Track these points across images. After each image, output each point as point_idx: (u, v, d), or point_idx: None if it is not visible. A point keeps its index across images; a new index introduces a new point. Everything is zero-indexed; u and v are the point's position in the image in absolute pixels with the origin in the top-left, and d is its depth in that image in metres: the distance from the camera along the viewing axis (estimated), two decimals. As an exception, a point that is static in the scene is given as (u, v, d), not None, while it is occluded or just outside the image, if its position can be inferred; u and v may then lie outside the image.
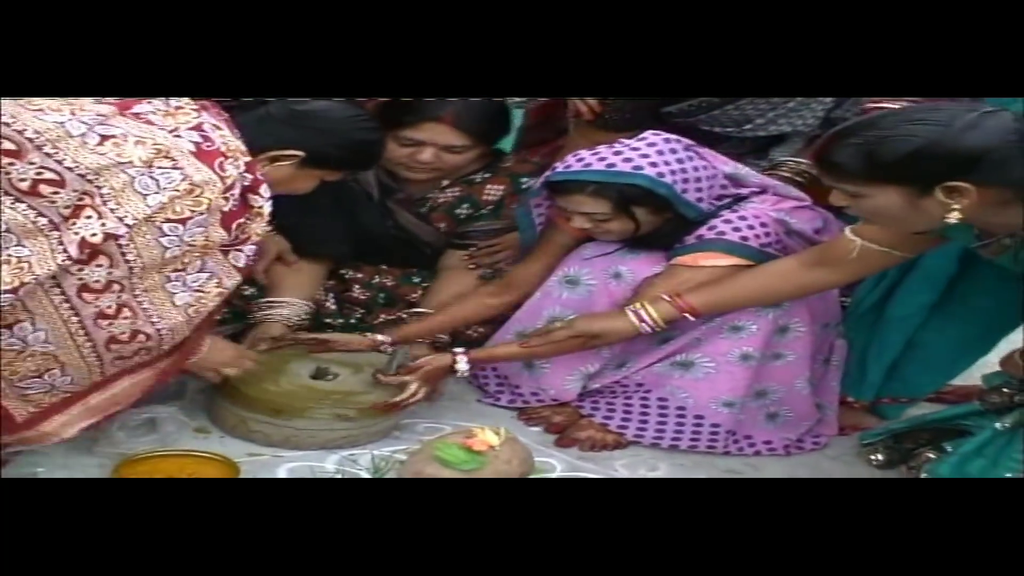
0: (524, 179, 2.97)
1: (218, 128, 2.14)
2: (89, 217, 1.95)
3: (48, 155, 1.95)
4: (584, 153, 2.65)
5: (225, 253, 2.17)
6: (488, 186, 2.99)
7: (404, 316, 2.97)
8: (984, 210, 2.07)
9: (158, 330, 2.13)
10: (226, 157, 2.10)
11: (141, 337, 2.12)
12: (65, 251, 1.96)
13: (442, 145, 2.83)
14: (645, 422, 2.68)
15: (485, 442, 2.27)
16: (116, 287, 2.04)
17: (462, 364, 2.64)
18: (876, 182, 2.10)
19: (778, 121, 2.98)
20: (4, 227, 1.91)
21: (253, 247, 2.21)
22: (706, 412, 2.64)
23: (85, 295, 2.02)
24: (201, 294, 2.16)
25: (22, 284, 1.93)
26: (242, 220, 2.16)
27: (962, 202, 2.04)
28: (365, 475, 2.41)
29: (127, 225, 1.98)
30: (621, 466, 2.59)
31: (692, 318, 2.57)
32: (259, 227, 2.20)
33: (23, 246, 1.94)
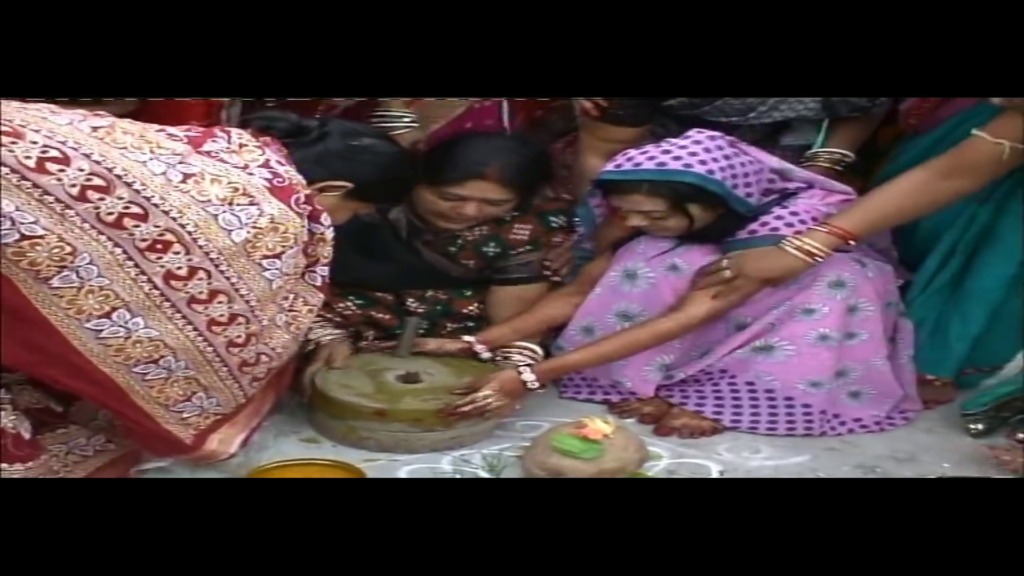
0: (552, 217, 3.05)
1: (282, 164, 2.32)
2: (177, 253, 2.12)
3: (137, 191, 2.09)
4: (633, 152, 2.79)
5: (302, 276, 2.37)
6: (516, 225, 3.03)
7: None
8: None
9: (274, 349, 2.36)
10: (297, 192, 2.28)
11: (264, 358, 2.35)
12: (150, 281, 2.12)
13: (485, 199, 2.89)
14: (739, 407, 2.81)
15: (598, 431, 2.39)
16: (241, 319, 2.25)
17: (527, 375, 2.75)
18: None
19: (780, 107, 3.06)
20: (88, 259, 2.06)
21: (326, 268, 2.41)
22: (795, 393, 2.78)
23: (214, 328, 2.23)
24: (296, 312, 2.39)
25: (113, 309, 2.11)
26: (313, 245, 2.36)
27: None
28: (483, 473, 2.54)
29: (211, 259, 2.15)
30: (724, 450, 2.73)
31: (851, 243, 2.71)
32: (325, 250, 2.39)
33: (104, 276, 2.09)
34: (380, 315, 3.08)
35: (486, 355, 2.92)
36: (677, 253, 2.88)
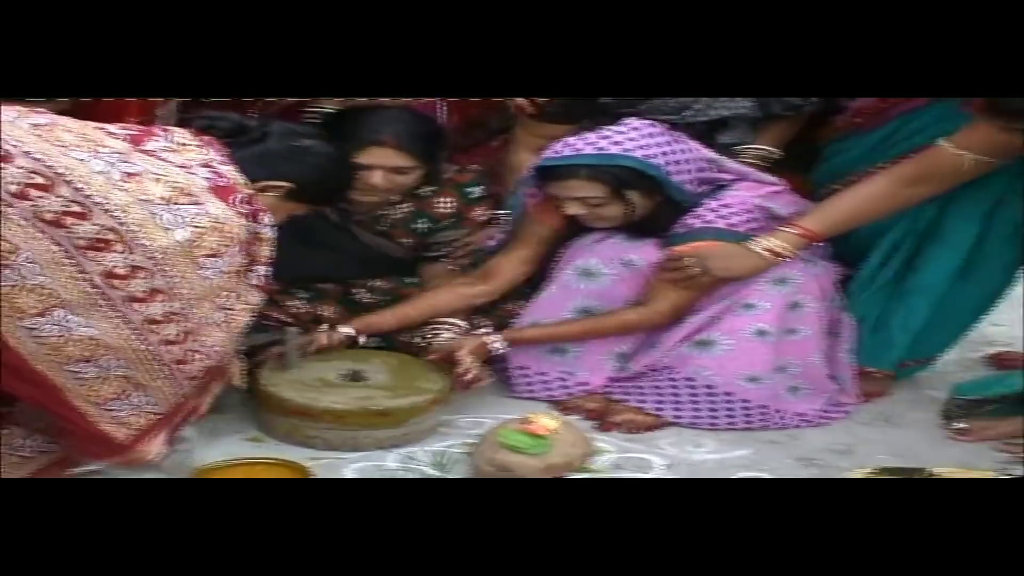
0: (469, 188, 3.13)
1: (224, 163, 2.33)
2: (118, 252, 2.11)
3: (77, 189, 2.09)
4: (572, 139, 2.85)
5: (242, 274, 2.36)
6: (436, 200, 3.10)
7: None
8: None
9: (210, 347, 2.34)
10: (237, 192, 2.29)
11: (199, 356, 2.32)
12: (89, 279, 2.11)
13: (390, 167, 2.94)
14: (679, 403, 2.86)
15: (545, 426, 2.42)
16: (178, 317, 2.23)
17: (496, 343, 2.82)
18: None
19: (715, 106, 3.13)
20: (29, 257, 2.05)
21: (264, 266, 2.41)
22: (733, 389, 2.82)
23: (152, 326, 2.21)
24: (231, 311, 2.36)
25: (51, 308, 2.09)
26: (254, 245, 2.36)
27: None
28: (430, 471, 2.56)
29: (152, 259, 2.15)
30: (668, 444, 2.77)
31: (815, 243, 2.82)
32: (266, 250, 2.39)
33: (43, 275, 2.08)
34: (327, 310, 3.10)
35: (362, 340, 2.95)
36: (632, 248, 2.92)
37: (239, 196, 2.28)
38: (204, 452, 2.56)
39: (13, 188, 2.02)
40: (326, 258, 3.11)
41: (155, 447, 2.35)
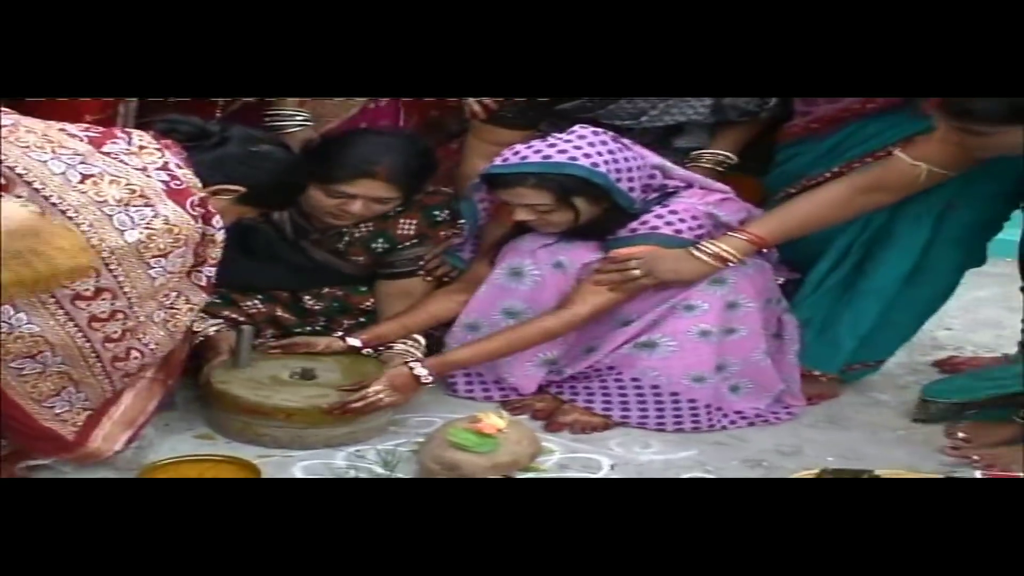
0: (436, 211, 3.13)
1: (180, 167, 2.37)
2: None
3: (36, 190, 2.13)
4: (519, 147, 2.89)
5: (188, 274, 2.41)
6: (401, 220, 3.09)
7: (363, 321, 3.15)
8: None
9: (146, 345, 2.39)
10: (192, 195, 2.34)
11: (135, 354, 2.38)
12: None
13: (372, 197, 2.94)
14: (626, 403, 2.90)
15: (493, 425, 2.45)
16: (120, 315, 2.29)
17: (420, 370, 2.80)
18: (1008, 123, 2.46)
19: (671, 111, 3.16)
20: None
21: (211, 268, 2.46)
22: (680, 388, 2.87)
23: (94, 324, 2.26)
24: (175, 310, 2.42)
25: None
26: (203, 246, 2.41)
27: None
28: (378, 469, 2.58)
29: (102, 258, 2.18)
30: (615, 444, 2.80)
31: (764, 250, 2.88)
32: (215, 252, 2.44)
33: None
34: (281, 313, 3.11)
35: (367, 351, 2.98)
36: (562, 250, 2.96)
37: (194, 199, 2.32)
38: (155, 450, 2.59)
39: None
40: (271, 269, 3.11)
41: (109, 442, 2.41)
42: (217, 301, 2.96)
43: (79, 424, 2.37)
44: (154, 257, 2.25)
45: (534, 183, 2.83)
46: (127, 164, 2.27)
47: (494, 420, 2.48)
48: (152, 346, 2.39)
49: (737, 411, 2.94)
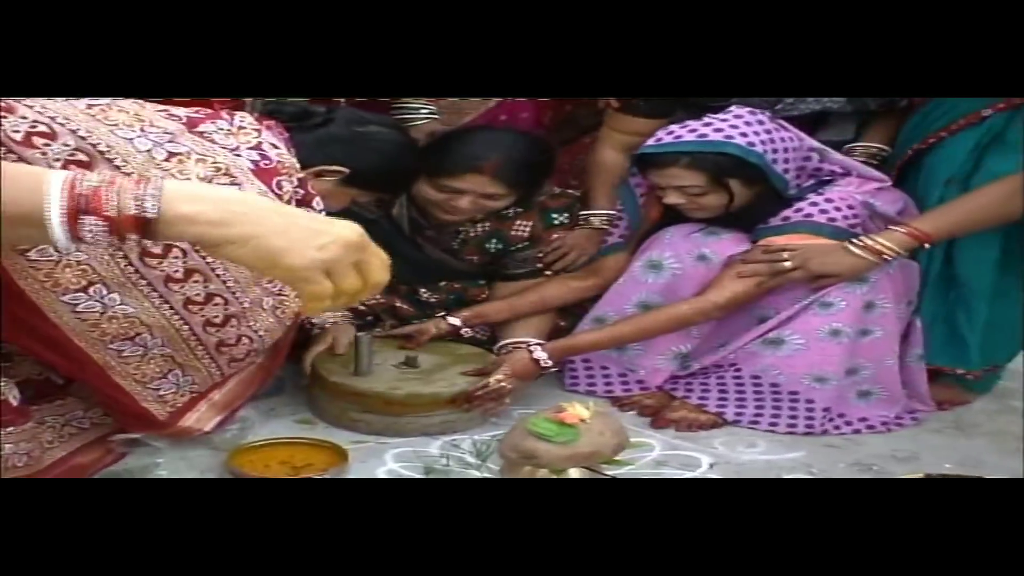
0: (554, 214, 3.12)
1: (275, 147, 2.40)
2: None
3: (117, 167, 2.17)
4: (674, 127, 2.84)
5: None
6: (518, 221, 3.10)
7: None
8: None
9: (256, 332, 2.43)
10: (281, 174, 2.36)
11: (245, 340, 2.42)
12: (125, 257, 2.20)
13: (480, 193, 2.96)
14: (742, 402, 2.83)
15: (576, 415, 2.40)
16: (219, 300, 2.33)
17: (540, 354, 2.81)
18: None
19: (806, 99, 3.05)
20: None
21: None
22: (799, 388, 2.78)
23: (191, 307, 2.30)
24: (283, 297, 2.45)
25: (90, 284, 2.18)
26: None
27: None
28: (469, 459, 2.58)
29: None
30: (720, 444, 2.74)
31: (928, 245, 2.77)
32: None
33: (81, 251, 2.15)
34: (400, 304, 3.15)
35: (466, 332, 3.01)
36: (706, 242, 2.90)
37: (281, 179, 2.35)
38: (257, 431, 2.66)
39: (56, 165, 2.11)
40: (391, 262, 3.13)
41: (202, 422, 2.47)
42: None
43: (178, 405, 2.43)
44: None
45: (688, 163, 2.78)
46: (217, 143, 2.31)
47: (578, 410, 2.43)
48: (261, 333, 2.44)
49: (862, 418, 2.84)
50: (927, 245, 2.77)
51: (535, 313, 3.05)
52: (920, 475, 2.40)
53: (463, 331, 3.02)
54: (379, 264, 1.59)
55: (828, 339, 2.77)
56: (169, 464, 2.49)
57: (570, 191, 3.22)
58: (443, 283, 3.16)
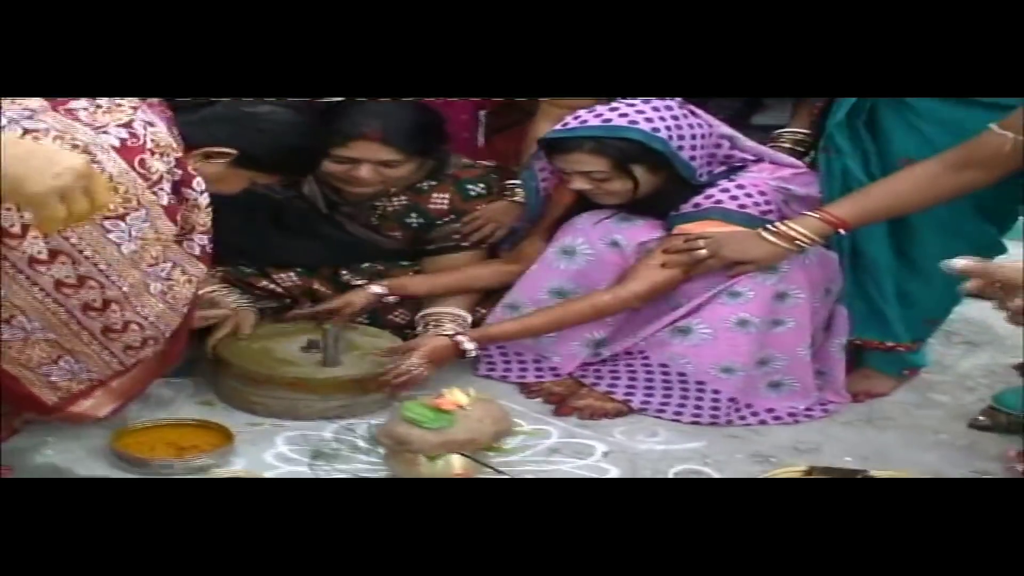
0: (469, 185, 3.08)
1: (151, 125, 2.32)
2: (8, 210, 2.12)
3: None
4: (582, 112, 2.80)
5: (179, 243, 2.38)
6: (434, 195, 3.07)
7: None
8: None
9: (146, 318, 2.36)
10: (152, 153, 2.29)
11: (135, 327, 2.35)
12: None
13: (376, 161, 2.92)
14: (650, 390, 2.80)
15: (453, 401, 2.38)
16: (92, 283, 2.25)
17: (466, 343, 2.80)
18: None
19: None
20: None
21: (204, 236, 2.42)
22: (706, 378, 2.75)
23: (64, 289, 2.24)
24: (171, 282, 2.38)
25: None
26: (182, 211, 2.36)
27: None
28: (361, 443, 2.57)
29: None
30: (619, 433, 2.71)
31: (844, 232, 2.71)
32: (200, 217, 2.40)
33: None
34: (318, 287, 3.13)
35: (391, 299, 3.01)
36: (618, 228, 2.88)
37: (147, 157, 2.27)
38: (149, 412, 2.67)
39: None
40: (310, 245, 3.11)
41: (96, 409, 2.41)
42: (253, 272, 3.05)
43: (71, 391, 2.38)
44: (107, 219, 2.21)
45: (592, 148, 2.76)
46: (81, 121, 2.25)
47: (456, 396, 2.41)
48: (152, 319, 2.36)
49: (769, 409, 2.80)
50: (843, 231, 2.72)
51: (458, 292, 3.03)
52: (804, 468, 2.36)
53: (387, 299, 2.99)
54: (104, 188, 1.83)
55: (736, 329, 2.73)
56: (58, 444, 2.51)
57: (482, 162, 3.19)
58: (366, 264, 3.12)
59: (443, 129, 3.05)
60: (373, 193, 3.01)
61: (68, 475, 2.40)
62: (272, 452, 2.53)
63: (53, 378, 2.34)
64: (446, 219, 3.07)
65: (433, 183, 3.05)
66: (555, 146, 2.83)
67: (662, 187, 2.81)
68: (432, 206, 3.06)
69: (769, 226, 2.72)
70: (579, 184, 2.82)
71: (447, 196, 3.06)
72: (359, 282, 3.11)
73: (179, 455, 2.47)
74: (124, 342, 2.36)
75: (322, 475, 2.44)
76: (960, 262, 1.89)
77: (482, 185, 3.08)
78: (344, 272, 3.13)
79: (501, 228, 3.10)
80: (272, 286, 3.09)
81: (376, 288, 2.99)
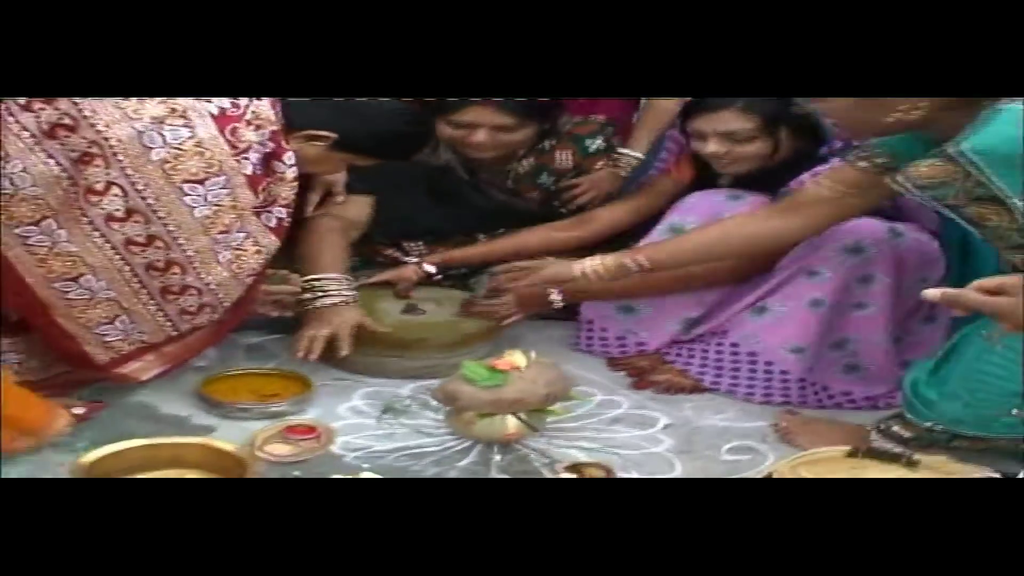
0: (588, 140, 3.18)
1: (257, 100, 2.43)
2: (98, 167, 2.26)
3: (74, 103, 2.21)
4: None
5: (257, 215, 2.49)
6: (556, 153, 3.18)
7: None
8: (939, 115, 2.17)
9: (207, 284, 2.47)
10: (248, 124, 2.39)
11: (193, 291, 2.47)
12: (78, 193, 2.27)
13: (492, 125, 3.02)
14: (720, 368, 2.83)
15: (510, 362, 2.46)
16: (159, 243, 2.36)
17: (555, 296, 2.93)
18: None
19: None
20: (21, 167, 2.21)
21: (284, 210, 2.53)
22: (775, 358, 2.76)
23: (132, 248, 2.36)
24: (240, 252, 2.49)
25: (43, 218, 2.26)
26: (266, 184, 2.48)
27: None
28: (434, 402, 2.62)
29: (127, 176, 2.27)
30: (689, 408, 2.74)
31: (639, 269, 2.74)
32: (284, 191, 2.52)
33: (37, 186, 2.23)
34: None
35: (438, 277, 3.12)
36: (730, 207, 2.89)
37: (240, 127, 2.37)
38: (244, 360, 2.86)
39: (17, 105, 2.21)
40: (454, 212, 3.25)
41: (140, 372, 2.53)
42: (381, 240, 3.21)
43: (123, 352, 2.48)
44: (186, 182, 2.32)
45: (743, 106, 2.81)
46: None
47: (515, 358, 2.49)
48: (213, 286, 2.46)
49: (845, 392, 2.78)
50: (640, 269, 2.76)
51: (506, 258, 3.08)
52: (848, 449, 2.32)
53: (435, 277, 3.11)
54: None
55: (808, 308, 2.72)
56: (151, 385, 2.61)
57: (595, 117, 3.25)
58: (502, 230, 3.25)
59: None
60: (494, 157, 3.12)
61: (153, 412, 2.57)
62: (347, 405, 2.66)
63: (108, 338, 2.44)
64: (571, 176, 3.18)
65: (552, 142, 3.17)
66: (700, 105, 2.88)
67: (790, 156, 2.86)
68: (558, 165, 3.18)
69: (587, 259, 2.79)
70: (714, 147, 2.87)
71: (569, 152, 3.18)
72: None
73: (263, 400, 2.61)
74: (180, 305, 2.47)
75: (387, 429, 2.55)
76: (931, 292, 1.86)
77: (600, 140, 3.18)
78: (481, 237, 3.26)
79: (599, 197, 3.19)
80: (398, 254, 3.22)
81: (429, 267, 3.11)
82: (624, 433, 2.58)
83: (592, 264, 2.76)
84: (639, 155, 3.15)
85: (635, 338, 2.99)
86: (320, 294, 2.82)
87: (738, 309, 2.83)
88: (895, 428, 2.40)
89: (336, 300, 2.81)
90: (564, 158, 3.19)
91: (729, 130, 2.82)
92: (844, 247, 2.70)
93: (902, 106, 2.19)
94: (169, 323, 2.50)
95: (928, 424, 2.34)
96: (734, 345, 2.80)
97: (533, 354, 2.53)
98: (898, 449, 2.29)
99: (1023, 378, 2.19)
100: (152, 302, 2.44)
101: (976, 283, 1.83)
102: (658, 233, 2.96)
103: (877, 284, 2.72)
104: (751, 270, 2.84)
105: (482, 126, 3.01)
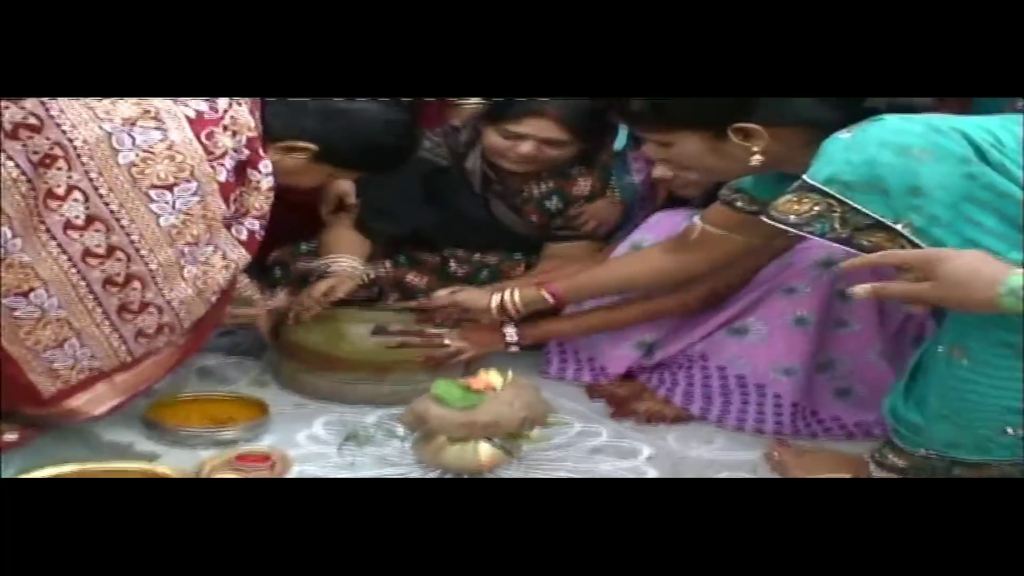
0: (611, 171, 3.16)
1: (237, 105, 2.28)
2: (60, 169, 2.07)
3: (41, 103, 2.04)
4: None
5: (228, 227, 2.31)
6: (580, 180, 3.14)
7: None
8: (784, 153, 2.14)
9: (168, 302, 2.26)
10: (225, 129, 2.24)
11: (153, 310, 2.25)
12: (36, 198, 2.07)
13: (543, 139, 2.96)
14: (709, 397, 2.67)
15: (486, 382, 2.29)
16: (120, 255, 2.16)
17: (511, 333, 2.78)
18: (673, 129, 2.20)
19: None
20: None
21: (256, 222, 2.36)
22: (766, 381, 2.61)
23: (90, 260, 2.14)
24: (207, 267, 2.29)
25: None
26: (238, 192, 2.31)
27: (760, 144, 2.14)
28: (401, 431, 2.45)
29: (91, 180, 2.09)
30: (673, 438, 2.58)
31: (552, 301, 2.73)
32: (258, 201, 2.35)
33: None
34: (414, 278, 3.12)
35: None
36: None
37: (216, 131, 2.21)
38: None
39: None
40: (436, 214, 3.14)
41: (92, 405, 2.29)
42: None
43: (71, 382, 2.25)
44: (154, 187, 2.14)
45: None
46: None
47: (490, 377, 2.32)
48: (175, 304, 2.26)
49: (835, 417, 2.62)
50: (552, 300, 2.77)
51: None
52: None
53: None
54: None
55: (793, 327, 2.58)
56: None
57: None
58: (477, 256, 3.19)
59: (611, 122, 3.05)
60: (526, 172, 3.05)
61: (95, 438, 2.37)
62: (306, 433, 2.49)
63: (55, 364, 2.21)
64: (580, 203, 3.13)
65: (582, 168, 3.12)
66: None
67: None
68: (575, 191, 3.13)
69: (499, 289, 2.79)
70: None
71: (590, 181, 3.13)
72: (463, 272, 3.17)
73: (216, 425, 2.42)
74: (137, 326, 2.25)
75: (348, 458, 2.37)
76: (859, 289, 1.86)
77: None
78: (454, 264, 3.17)
79: (604, 226, 3.14)
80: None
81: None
82: (607, 463, 2.41)
83: (507, 295, 2.73)
84: (635, 180, 3.17)
85: (598, 362, 2.86)
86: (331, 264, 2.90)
87: (710, 329, 2.68)
88: (890, 457, 2.23)
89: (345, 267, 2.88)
90: (584, 185, 3.15)
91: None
92: (816, 261, 2.57)
93: (740, 153, 2.17)
94: (124, 347, 2.27)
95: (922, 452, 2.17)
96: (721, 368, 2.65)
97: (511, 373, 2.36)
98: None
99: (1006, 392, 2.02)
100: (107, 321, 2.22)
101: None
102: (621, 249, 2.87)
103: (856, 300, 2.56)
104: (725, 294, 2.69)
105: (533, 138, 2.95)
